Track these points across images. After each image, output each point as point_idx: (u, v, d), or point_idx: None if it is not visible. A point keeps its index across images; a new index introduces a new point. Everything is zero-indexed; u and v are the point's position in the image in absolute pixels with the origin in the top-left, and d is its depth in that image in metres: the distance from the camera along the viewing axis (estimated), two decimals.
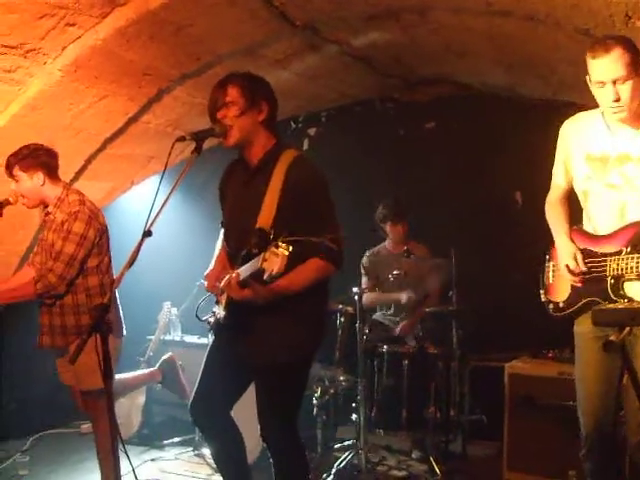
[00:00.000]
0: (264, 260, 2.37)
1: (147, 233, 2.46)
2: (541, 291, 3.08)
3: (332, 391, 4.64)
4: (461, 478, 4.35)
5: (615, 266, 2.71)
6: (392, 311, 5.26)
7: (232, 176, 3.10)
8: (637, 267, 2.63)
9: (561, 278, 2.96)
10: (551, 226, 3.05)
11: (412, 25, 4.09)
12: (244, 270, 2.63)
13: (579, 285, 2.83)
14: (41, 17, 3.27)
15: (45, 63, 3.64)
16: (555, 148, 3.01)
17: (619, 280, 2.71)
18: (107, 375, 2.38)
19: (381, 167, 5.81)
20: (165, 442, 5.09)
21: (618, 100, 2.61)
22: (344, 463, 4.32)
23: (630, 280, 2.68)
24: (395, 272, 4.76)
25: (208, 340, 4.19)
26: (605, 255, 2.77)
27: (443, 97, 5.69)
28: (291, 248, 2.35)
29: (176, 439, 5.11)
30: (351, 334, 4.41)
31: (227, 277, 2.77)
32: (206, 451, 4.68)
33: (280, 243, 2.36)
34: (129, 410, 5.17)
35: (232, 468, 3.14)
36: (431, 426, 4.48)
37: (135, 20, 3.49)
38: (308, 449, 4.11)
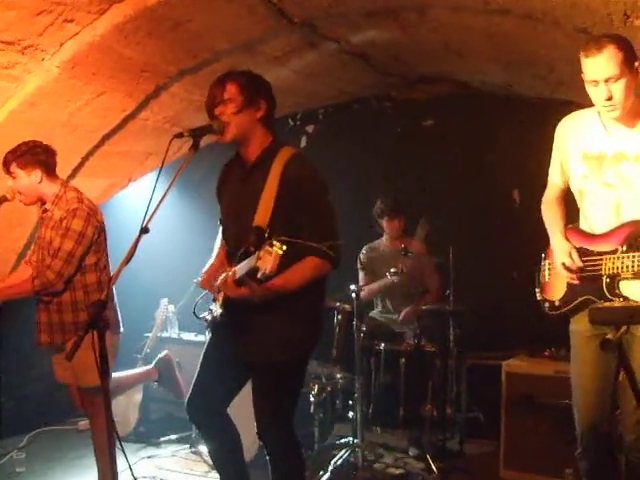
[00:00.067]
0: (258, 259, 2.37)
1: (144, 230, 2.46)
2: (537, 289, 3.09)
3: (329, 389, 4.65)
4: (458, 476, 4.35)
5: (611, 265, 2.72)
6: (391, 306, 5.27)
7: (229, 174, 3.10)
8: (633, 266, 2.63)
9: (557, 277, 2.96)
10: (547, 225, 3.05)
11: (411, 23, 4.09)
12: (240, 268, 2.63)
13: (576, 282, 2.83)
14: (39, 13, 3.26)
15: (43, 59, 3.63)
16: (552, 147, 3.01)
17: (615, 279, 2.71)
18: (104, 372, 2.38)
19: (379, 165, 5.82)
20: (162, 439, 5.09)
21: (610, 99, 2.61)
22: (341, 461, 4.32)
23: (626, 279, 2.68)
24: (392, 270, 4.76)
25: (205, 337, 4.20)
26: (601, 254, 2.77)
27: (441, 95, 5.70)
28: (285, 247, 2.35)
29: (173, 436, 5.11)
30: (348, 332, 4.41)
31: (224, 275, 2.77)
32: (203, 448, 4.68)
33: (275, 242, 2.36)
34: (126, 407, 5.17)
35: (229, 465, 3.14)
36: (428, 424, 4.48)
37: (133, 16, 3.48)
38: (305, 447, 4.12)
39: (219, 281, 2.82)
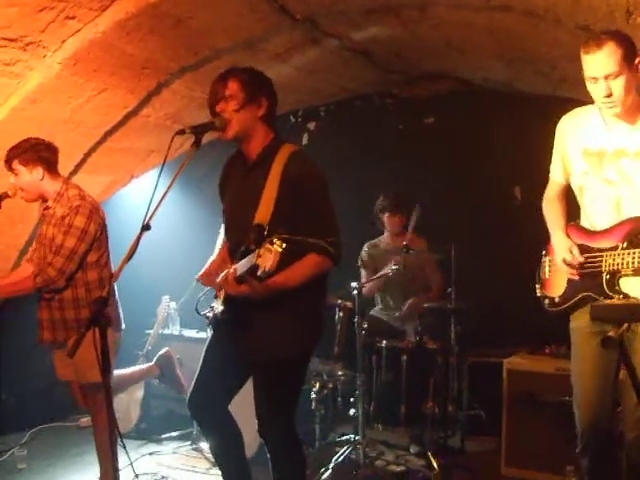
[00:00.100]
0: (259, 256, 2.37)
1: (146, 227, 2.46)
2: (537, 286, 3.09)
3: (330, 386, 4.65)
4: (459, 473, 4.35)
5: (611, 261, 2.71)
6: (392, 303, 5.27)
7: (232, 171, 3.10)
8: (633, 262, 2.63)
9: (557, 273, 2.96)
10: (548, 222, 3.05)
11: (412, 20, 4.08)
12: (241, 266, 2.63)
13: (577, 278, 2.83)
14: (41, 10, 3.25)
15: (45, 56, 3.62)
16: (553, 144, 3.01)
17: (615, 275, 2.71)
18: (106, 369, 2.38)
19: (380, 162, 5.81)
20: (163, 436, 5.10)
21: (610, 96, 2.61)
22: (342, 458, 4.32)
23: (626, 276, 2.68)
24: (394, 267, 4.76)
25: (207, 334, 4.21)
26: (601, 250, 2.76)
27: (442, 92, 5.69)
28: (285, 245, 2.35)
29: (174, 433, 5.12)
30: (350, 329, 4.41)
31: (225, 272, 2.77)
32: (204, 445, 4.68)
33: (275, 240, 2.36)
34: (127, 404, 5.18)
35: (230, 462, 3.14)
36: (429, 421, 4.48)
37: (135, 13, 3.47)
38: (306, 444, 4.13)
39: (220, 278, 2.82)
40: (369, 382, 4.51)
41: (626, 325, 2.49)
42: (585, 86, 2.71)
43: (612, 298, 2.69)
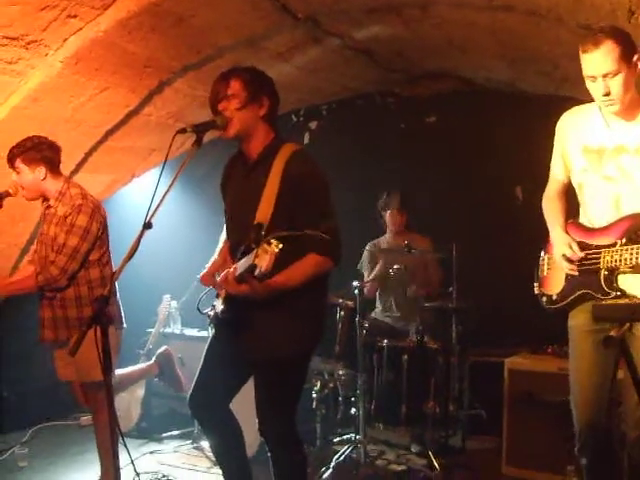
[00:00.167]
0: (256, 256, 2.38)
1: (147, 225, 2.46)
2: (535, 284, 3.08)
3: (331, 385, 4.65)
4: (460, 472, 4.35)
5: (609, 258, 2.70)
6: (393, 305, 5.26)
7: (233, 170, 3.10)
8: (631, 259, 2.62)
9: (555, 271, 2.96)
10: (547, 220, 3.04)
11: (414, 19, 4.08)
12: (241, 265, 2.63)
13: (576, 274, 2.83)
14: (42, 9, 3.26)
15: (46, 55, 3.62)
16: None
17: (613, 272, 2.70)
18: (107, 368, 2.38)
19: (382, 161, 5.81)
20: (164, 435, 5.10)
21: (608, 94, 2.60)
22: (343, 457, 4.32)
23: (624, 272, 2.68)
24: (395, 266, 4.76)
25: (208, 333, 4.21)
26: (599, 247, 2.76)
27: (444, 92, 5.69)
28: (281, 246, 2.35)
29: (175, 432, 5.12)
30: (351, 328, 4.41)
31: (225, 271, 2.77)
32: (205, 444, 4.69)
33: (272, 240, 2.36)
34: (128, 403, 5.18)
35: (231, 461, 3.14)
36: (430, 421, 4.48)
37: (136, 12, 3.47)
38: (307, 443, 4.14)
39: (220, 278, 2.82)
40: (370, 381, 4.51)
41: (628, 325, 2.48)
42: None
43: (610, 295, 2.69)
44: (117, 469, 2.60)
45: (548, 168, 3.08)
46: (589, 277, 2.78)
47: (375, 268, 5.23)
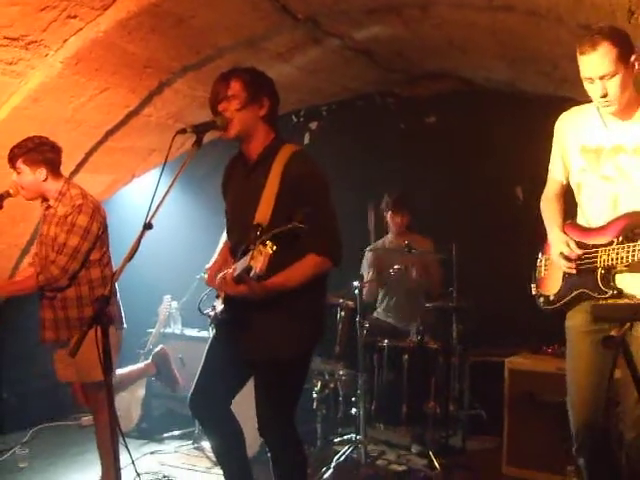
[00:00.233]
0: (252, 257, 2.38)
1: (147, 226, 2.46)
2: (532, 285, 3.08)
3: (332, 385, 4.65)
4: (460, 472, 4.35)
5: (606, 257, 2.70)
6: (393, 305, 5.26)
7: (234, 171, 3.10)
8: (627, 257, 2.62)
9: (553, 271, 2.96)
10: (545, 221, 3.04)
11: (414, 20, 4.08)
12: (239, 266, 2.63)
13: (574, 272, 2.82)
14: (43, 9, 3.26)
15: (46, 55, 3.63)
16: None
17: (610, 271, 2.70)
18: (108, 368, 2.38)
19: (382, 161, 5.81)
20: (164, 435, 5.10)
21: (605, 95, 2.60)
22: (344, 457, 4.32)
23: (621, 271, 2.68)
24: (396, 267, 4.76)
25: (208, 333, 4.21)
26: (596, 246, 2.76)
27: (444, 92, 5.69)
28: (275, 247, 2.36)
29: (175, 432, 5.12)
30: (351, 328, 4.41)
31: (224, 272, 2.77)
32: (205, 444, 4.69)
33: (267, 241, 2.36)
34: (129, 403, 5.18)
35: (232, 461, 3.14)
36: (431, 421, 4.47)
37: (136, 12, 3.48)
38: (308, 443, 4.14)
39: (219, 278, 2.82)
40: (370, 381, 4.51)
41: (628, 325, 2.48)
42: None
43: (607, 294, 2.69)
44: (118, 469, 2.59)
45: (548, 168, 3.08)
46: (586, 276, 2.78)
47: (376, 269, 5.22)
